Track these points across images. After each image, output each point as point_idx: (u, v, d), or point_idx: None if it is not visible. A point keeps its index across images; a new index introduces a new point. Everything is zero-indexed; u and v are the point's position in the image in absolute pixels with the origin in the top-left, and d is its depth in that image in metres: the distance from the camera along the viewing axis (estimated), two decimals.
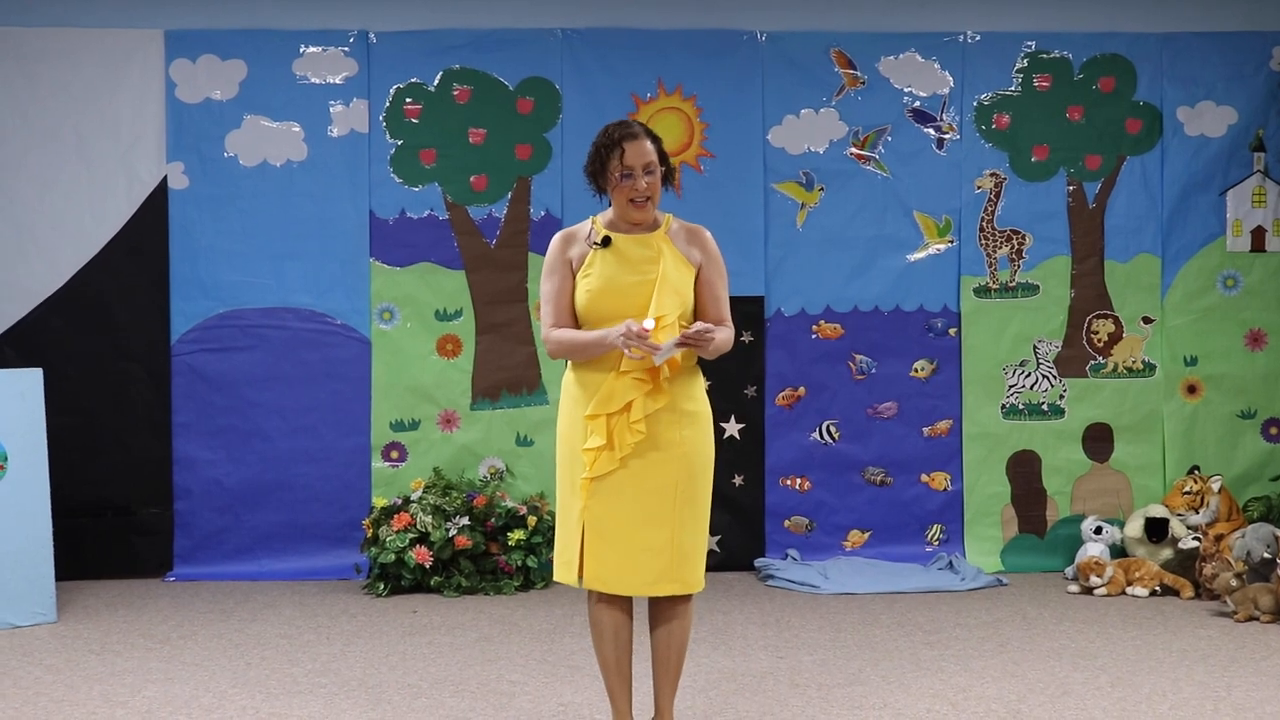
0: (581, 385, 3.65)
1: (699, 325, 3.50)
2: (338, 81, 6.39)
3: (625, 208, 3.67)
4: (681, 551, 3.61)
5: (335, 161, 6.38)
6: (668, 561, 3.59)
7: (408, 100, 6.41)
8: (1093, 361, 6.59)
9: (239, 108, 6.37)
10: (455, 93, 6.42)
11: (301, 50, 6.38)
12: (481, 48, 6.42)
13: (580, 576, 3.62)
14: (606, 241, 3.62)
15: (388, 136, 6.41)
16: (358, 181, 6.38)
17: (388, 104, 6.41)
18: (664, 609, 3.74)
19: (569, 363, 3.73)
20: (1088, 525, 6.27)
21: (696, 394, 3.70)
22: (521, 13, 6.45)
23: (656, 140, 3.69)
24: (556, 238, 3.75)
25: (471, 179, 6.43)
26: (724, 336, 3.63)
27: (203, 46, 6.34)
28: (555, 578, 3.74)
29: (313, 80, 6.39)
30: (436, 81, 6.42)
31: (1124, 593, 5.92)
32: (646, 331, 3.41)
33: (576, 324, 3.70)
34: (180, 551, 6.38)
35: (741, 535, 6.48)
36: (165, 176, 6.34)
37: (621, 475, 3.59)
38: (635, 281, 3.62)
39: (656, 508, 3.59)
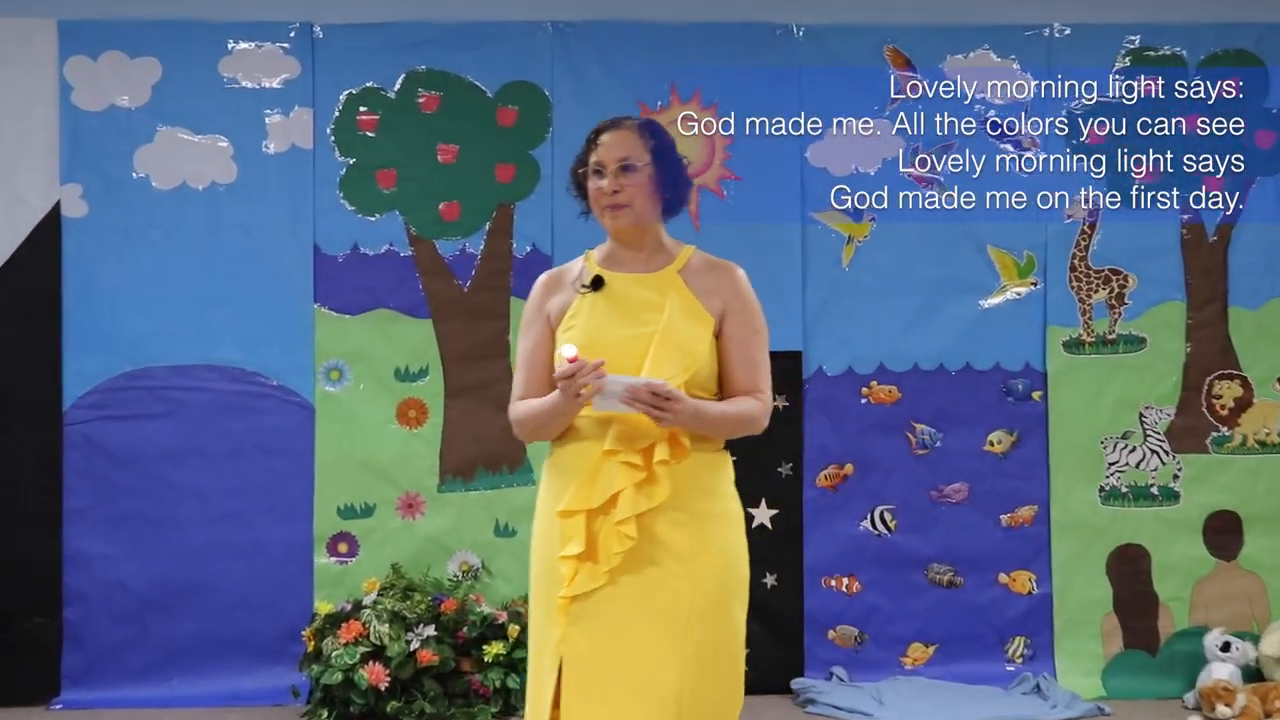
0: (559, 470, 3.23)
1: (652, 382, 3.01)
2: (275, 85, 6.05)
3: (603, 219, 3.29)
4: (695, 707, 3.14)
5: (271, 184, 6.04)
6: (674, 719, 3.13)
7: (361, 109, 6.06)
8: (1215, 433, 6.16)
9: (151, 117, 6.00)
10: (420, 100, 6.07)
11: (230, 47, 6.03)
12: (453, 45, 6.07)
13: None
14: (598, 283, 3.26)
15: (337, 154, 6.05)
16: (299, 209, 6.03)
17: (337, 114, 6.06)
18: None
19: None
20: (1212, 640, 5.87)
21: (718, 489, 3.24)
22: (503, 1, 6.10)
23: (657, 135, 3.28)
24: (539, 282, 3.43)
25: (440, 206, 6.08)
26: (735, 410, 3.18)
27: (106, 41, 5.98)
28: None
29: (244, 84, 6.05)
30: (397, 86, 6.06)
31: None
32: (571, 361, 3.05)
33: None
34: (70, 672, 5.91)
35: (775, 649, 6.06)
36: (58, 202, 5.99)
37: (611, 596, 3.14)
38: (629, 335, 3.19)
39: (658, 643, 3.14)
